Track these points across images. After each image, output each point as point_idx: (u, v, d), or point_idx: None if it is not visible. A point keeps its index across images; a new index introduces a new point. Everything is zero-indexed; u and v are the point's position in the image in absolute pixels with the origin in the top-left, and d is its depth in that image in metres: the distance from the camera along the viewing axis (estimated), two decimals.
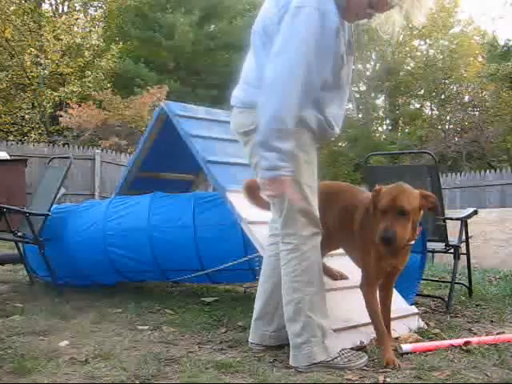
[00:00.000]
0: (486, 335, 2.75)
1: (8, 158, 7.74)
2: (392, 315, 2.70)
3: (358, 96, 24.68)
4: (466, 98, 20.53)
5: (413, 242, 2.27)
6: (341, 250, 2.75)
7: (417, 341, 2.56)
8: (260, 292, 2.50)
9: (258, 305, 2.49)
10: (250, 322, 2.57)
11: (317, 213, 2.28)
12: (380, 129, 26.29)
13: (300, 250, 2.23)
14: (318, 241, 2.30)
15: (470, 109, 19.83)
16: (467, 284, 3.96)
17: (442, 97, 21.65)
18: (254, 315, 2.50)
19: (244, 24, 18.51)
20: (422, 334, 2.68)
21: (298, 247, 2.23)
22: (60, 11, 19.02)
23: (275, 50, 2.06)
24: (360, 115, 24.47)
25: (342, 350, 2.25)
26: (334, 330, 2.32)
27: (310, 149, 2.26)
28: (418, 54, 24.21)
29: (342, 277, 2.80)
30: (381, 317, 2.34)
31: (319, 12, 2.03)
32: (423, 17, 2.19)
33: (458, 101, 20.41)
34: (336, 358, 2.20)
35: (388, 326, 2.43)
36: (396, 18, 2.17)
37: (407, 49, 24.25)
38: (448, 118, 21.13)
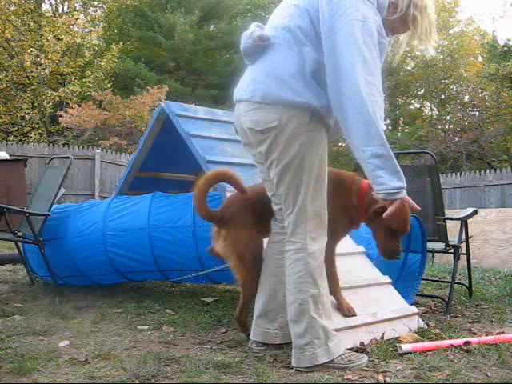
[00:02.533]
0: (486, 335, 2.75)
1: (8, 158, 7.74)
2: (392, 315, 2.71)
3: None
4: (466, 98, 20.52)
5: None
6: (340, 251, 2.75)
7: (417, 341, 2.56)
8: (262, 290, 2.47)
9: (260, 303, 2.47)
10: (250, 322, 2.56)
11: (326, 215, 2.30)
12: None
13: (307, 250, 2.21)
14: (325, 243, 2.31)
15: (469, 109, 19.82)
16: (467, 284, 3.97)
17: (442, 97, 21.64)
18: (256, 312, 2.48)
19: (244, 24, 18.53)
20: (422, 334, 2.68)
21: (306, 247, 2.22)
22: (60, 11, 19.03)
23: (347, 63, 2.05)
24: None
25: None
26: (334, 330, 2.32)
27: (325, 147, 2.28)
28: (418, 53, 24.20)
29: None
30: None
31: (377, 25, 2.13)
32: (432, 49, 2.43)
33: (458, 101, 20.40)
34: (336, 358, 2.19)
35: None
36: (404, 40, 2.45)
37: (407, 49, 24.24)
38: (448, 117, 21.13)
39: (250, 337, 2.50)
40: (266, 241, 2.54)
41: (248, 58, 2.31)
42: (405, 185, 2.09)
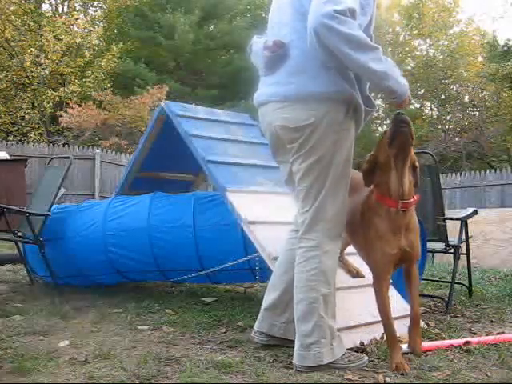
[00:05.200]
0: (486, 335, 2.75)
1: (8, 157, 7.73)
2: (392, 315, 2.70)
3: None
4: (466, 98, 20.52)
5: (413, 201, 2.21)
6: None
7: None
8: (276, 283, 2.45)
9: (272, 296, 2.45)
10: (249, 322, 2.57)
11: (345, 214, 2.27)
12: (380, 129, 26.27)
13: (322, 248, 2.19)
14: (340, 244, 2.30)
15: (469, 109, 19.83)
16: (467, 284, 3.97)
17: (442, 97, 21.63)
18: (265, 305, 2.47)
19: (244, 24, 18.52)
20: (422, 334, 2.68)
21: (321, 246, 2.19)
22: (60, 11, 19.01)
23: None
24: None
25: None
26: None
27: (352, 146, 2.26)
28: (418, 53, 24.19)
29: (359, 274, 2.79)
30: (390, 317, 2.25)
31: None
32: None
33: (458, 101, 20.40)
34: (337, 358, 2.19)
35: (416, 319, 2.32)
36: None
37: (407, 49, 24.24)
38: (448, 118, 21.12)
39: (255, 327, 2.49)
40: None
41: (270, 69, 2.25)
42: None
